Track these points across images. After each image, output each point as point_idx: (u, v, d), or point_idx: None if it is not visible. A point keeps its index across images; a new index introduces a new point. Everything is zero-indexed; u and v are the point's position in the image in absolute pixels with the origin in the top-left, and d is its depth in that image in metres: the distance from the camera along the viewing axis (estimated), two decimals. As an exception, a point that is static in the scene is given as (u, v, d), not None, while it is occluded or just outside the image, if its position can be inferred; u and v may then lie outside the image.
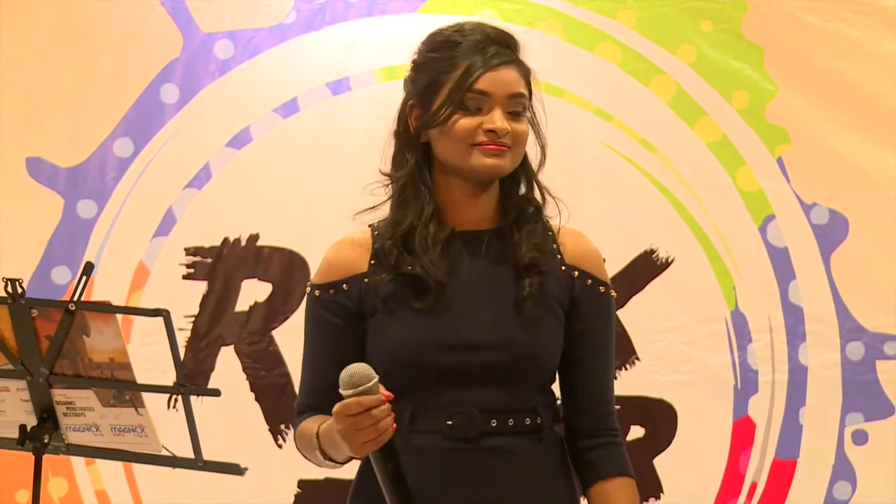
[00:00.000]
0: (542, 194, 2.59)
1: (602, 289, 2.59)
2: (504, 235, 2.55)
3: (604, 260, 2.64)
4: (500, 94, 2.51)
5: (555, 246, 2.58)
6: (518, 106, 2.52)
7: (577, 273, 2.58)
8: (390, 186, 2.57)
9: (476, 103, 2.50)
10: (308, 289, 2.58)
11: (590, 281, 2.58)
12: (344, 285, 2.54)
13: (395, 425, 2.32)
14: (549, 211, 2.61)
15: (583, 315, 2.56)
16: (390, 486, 2.34)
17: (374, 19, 4.55)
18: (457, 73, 2.50)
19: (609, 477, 2.55)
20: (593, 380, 2.58)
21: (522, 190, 2.58)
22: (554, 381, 2.58)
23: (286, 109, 4.54)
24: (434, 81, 2.52)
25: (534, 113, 2.57)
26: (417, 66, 2.56)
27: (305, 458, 2.56)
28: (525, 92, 2.54)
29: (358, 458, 2.43)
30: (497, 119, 2.49)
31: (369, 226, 2.59)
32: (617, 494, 2.54)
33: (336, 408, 2.30)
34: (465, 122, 2.49)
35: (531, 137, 2.57)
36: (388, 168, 2.58)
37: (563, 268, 2.57)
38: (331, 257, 2.57)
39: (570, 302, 2.56)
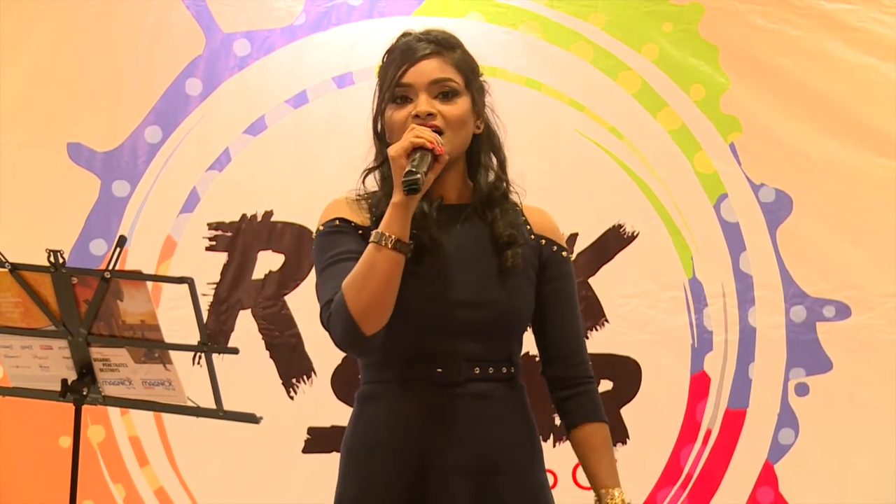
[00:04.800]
0: (506, 181, 2.60)
1: (564, 254, 2.64)
2: (479, 212, 2.58)
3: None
4: (421, 83, 2.51)
5: (523, 219, 2.63)
6: (444, 88, 2.52)
7: (543, 241, 2.62)
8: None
9: (403, 93, 2.51)
10: (315, 232, 2.57)
11: (555, 248, 2.63)
12: (351, 223, 2.54)
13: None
14: (520, 188, 2.64)
15: (551, 277, 2.61)
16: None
17: (374, 21, 4.54)
18: (389, 74, 2.54)
19: (587, 422, 2.61)
20: (566, 332, 2.63)
21: (491, 177, 2.59)
22: (523, 336, 2.61)
23: (297, 101, 4.54)
24: (380, 85, 2.56)
25: (477, 95, 2.56)
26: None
27: (357, 299, 2.39)
28: (451, 76, 2.53)
29: (402, 154, 2.40)
30: (421, 104, 2.50)
31: (358, 195, 2.59)
32: (594, 437, 2.61)
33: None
34: (397, 114, 2.51)
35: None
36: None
37: (532, 237, 2.62)
38: (333, 207, 2.58)
39: (539, 266, 2.60)
